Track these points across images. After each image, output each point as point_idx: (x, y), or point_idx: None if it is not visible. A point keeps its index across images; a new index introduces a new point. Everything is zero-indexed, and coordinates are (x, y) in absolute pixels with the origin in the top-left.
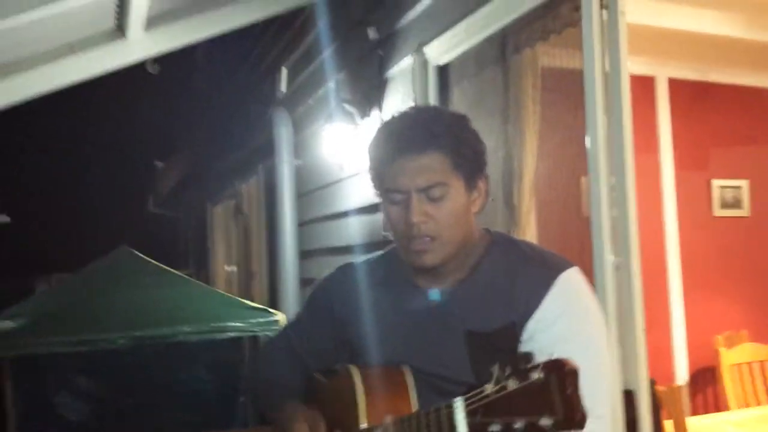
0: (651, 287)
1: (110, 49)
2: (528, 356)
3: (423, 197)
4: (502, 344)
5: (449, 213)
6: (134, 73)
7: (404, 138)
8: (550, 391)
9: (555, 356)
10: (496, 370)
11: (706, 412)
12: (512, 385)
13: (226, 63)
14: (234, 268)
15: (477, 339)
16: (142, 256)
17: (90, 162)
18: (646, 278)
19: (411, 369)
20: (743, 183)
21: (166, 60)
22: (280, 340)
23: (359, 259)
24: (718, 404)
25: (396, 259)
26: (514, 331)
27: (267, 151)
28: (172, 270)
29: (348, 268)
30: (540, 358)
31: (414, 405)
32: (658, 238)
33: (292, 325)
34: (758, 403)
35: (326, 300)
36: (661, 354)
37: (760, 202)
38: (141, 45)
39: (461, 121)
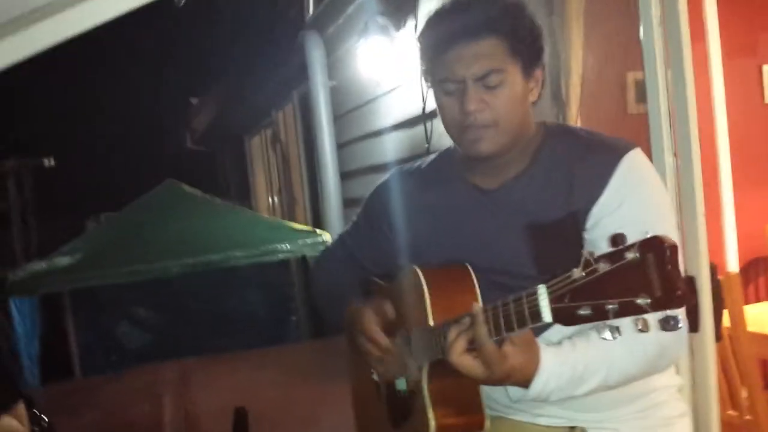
0: (708, 179)
1: None
2: (619, 237)
3: (479, 85)
4: (564, 234)
5: (507, 100)
6: (162, 8)
7: (458, 23)
8: (647, 269)
9: (636, 232)
10: (585, 254)
11: (758, 300)
12: (603, 267)
13: None
14: (276, 198)
15: (538, 231)
16: (187, 187)
17: (129, 101)
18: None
19: (473, 266)
20: None
21: None
22: (337, 248)
23: (411, 163)
24: None
25: (449, 159)
26: (576, 220)
27: (300, 75)
28: (217, 199)
29: (402, 172)
30: (609, 240)
31: (479, 300)
32: (708, 129)
33: (349, 232)
34: None
35: (381, 206)
36: (712, 244)
37: None
38: None
39: (518, 4)
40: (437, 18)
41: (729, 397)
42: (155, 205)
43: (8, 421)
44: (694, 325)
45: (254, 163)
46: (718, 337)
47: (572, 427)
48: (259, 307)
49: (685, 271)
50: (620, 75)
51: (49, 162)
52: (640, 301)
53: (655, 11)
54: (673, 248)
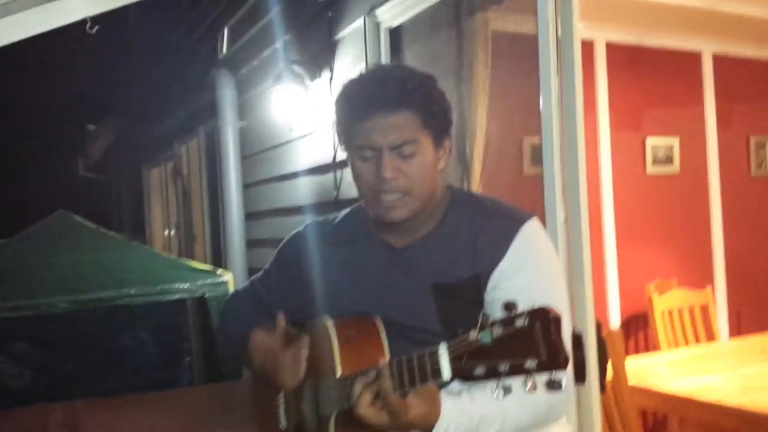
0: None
1: (50, 7)
2: (511, 305)
3: (394, 154)
4: (467, 295)
5: (420, 169)
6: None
7: (376, 95)
8: (534, 336)
9: (520, 304)
10: (482, 317)
11: (638, 352)
12: (497, 331)
13: (164, 22)
14: (173, 232)
15: (443, 291)
16: (80, 219)
17: (21, 125)
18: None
19: (382, 320)
20: (674, 141)
21: (102, 19)
22: (247, 293)
23: (325, 217)
24: (648, 347)
25: (361, 216)
26: (478, 282)
27: (207, 112)
28: (112, 233)
29: (314, 225)
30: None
31: (386, 353)
32: (595, 193)
33: (259, 279)
34: (687, 344)
35: (294, 257)
36: (596, 301)
37: (689, 158)
38: (84, 2)
39: (430, 80)
40: (354, 85)
41: None
42: (45, 237)
43: None
44: (581, 377)
45: (152, 196)
46: (603, 388)
47: None
48: (152, 348)
49: (573, 328)
50: (518, 140)
51: None
52: (528, 363)
53: (554, 82)
54: (557, 318)
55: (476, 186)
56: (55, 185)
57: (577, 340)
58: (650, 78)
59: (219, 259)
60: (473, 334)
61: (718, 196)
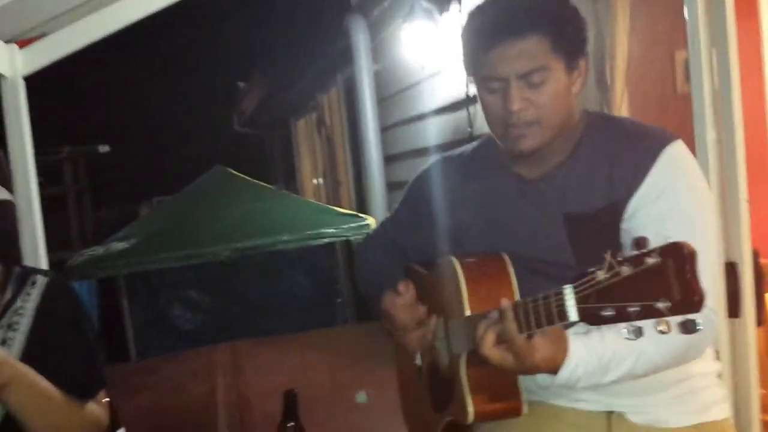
0: (753, 160)
1: None
2: (642, 241)
3: (523, 83)
4: (602, 225)
5: (550, 98)
6: None
7: (501, 21)
8: (667, 275)
9: (660, 234)
10: (608, 256)
11: None
12: (626, 271)
13: None
14: (321, 180)
15: (576, 221)
16: (236, 173)
17: (178, 88)
18: (749, 150)
19: (512, 255)
20: None
21: None
22: (380, 234)
23: (453, 151)
24: None
25: (491, 147)
26: (617, 210)
27: (345, 59)
28: (264, 184)
29: (442, 160)
30: (643, 234)
31: (515, 292)
32: (760, 109)
33: (391, 219)
34: None
35: (423, 192)
36: (761, 228)
37: None
38: None
39: None
40: (479, 13)
41: None
42: (204, 191)
43: (93, 407)
44: (734, 311)
45: (300, 146)
46: (760, 321)
47: (610, 412)
48: (305, 290)
49: (727, 257)
50: (669, 55)
51: (103, 148)
52: (660, 305)
53: None
54: (692, 255)
55: (620, 110)
56: (213, 142)
57: (730, 270)
58: None
59: (362, 203)
60: (601, 274)
61: None
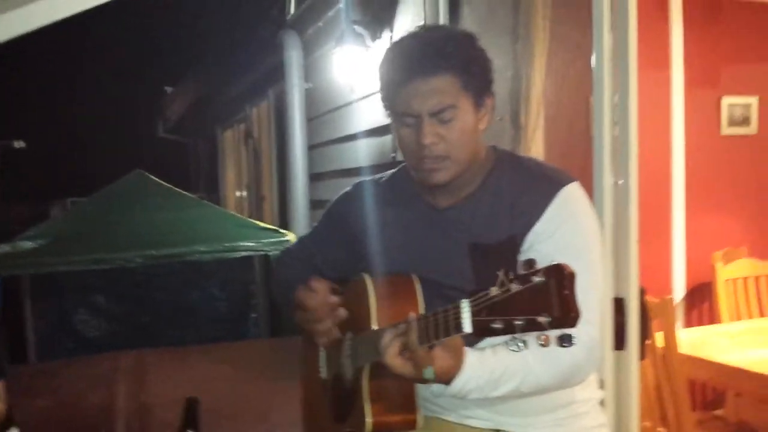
0: (653, 203)
1: None
2: (531, 262)
3: (434, 120)
4: (503, 255)
5: (459, 133)
6: None
7: (415, 60)
8: (549, 292)
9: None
10: (501, 274)
11: (700, 324)
12: (515, 287)
13: None
14: (244, 193)
15: (480, 250)
16: (156, 179)
17: (102, 88)
18: (650, 194)
19: (420, 278)
20: (753, 100)
21: None
22: (297, 249)
23: (373, 177)
24: (712, 319)
25: (406, 176)
26: (515, 243)
27: (277, 74)
28: (185, 193)
29: (363, 184)
30: (539, 266)
31: (421, 309)
32: (665, 154)
33: (309, 236)
34: (750, 317)
35: (343, 213)
36: (660, 269)
37: None
38: None
39: (470, 39)
40: (396, 48)
41: (660, 415)
42: (122, 195)
43: None
44: (620, 343)
45: (225, 157)
46: (643, 355)
47: (497, 430)
48: (220, 303)
49: (616, 292)
50: (583, 98)
51: (18, 144)
52: (541, 319)
53: (606, 40)
54: (571, 275)
55: (531, 149)
56: (134, 146)
57: (619, 305)
58: (730, 31)
59: (285, 218)
60: (494, 290)
61: None
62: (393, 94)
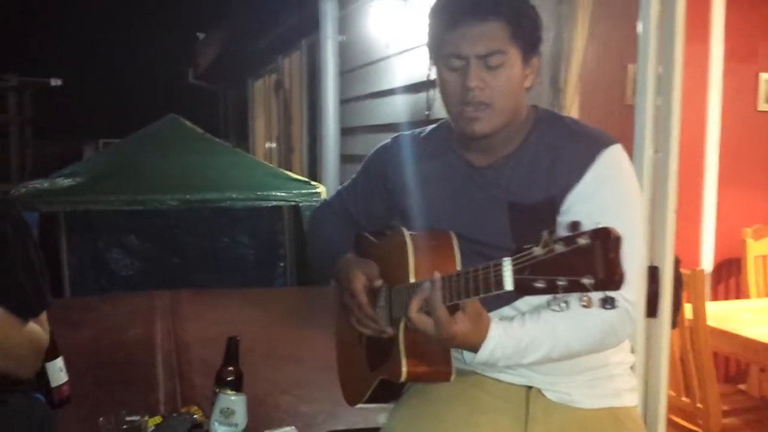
0: (686, 175)
1: None
2: (576, 224)
3: (481, 64)
4: (542, 216)
5: (505, 81)
6: None
7: (468, 4)
8: (594, 254)
9: (592, 222)
10: (545, 234)
11: (727, 299)
12: (559, 248)
13: None
14: (273, 144)
15: (519, 210)
16: (190, 124)
17: (136, 31)
18: (683, 167)
19: (457, 234)
20: None
21: None
22: (335, 202)
23: (412, 131)
24: (739, 294)
25: (447, 132)
26: (554, 203)
27: (311, 25)
28: (218, 139)
29: (402, 138)
30: (583, 228)
31: (458, 265)
32: (700, 128)
33: (347, 188)
34: None
35: (381, 167)
36: (690, 241)
37: None
38: None
39: None
40: None
41: (684, 386)
42: (157, 138)
43: (34, 326)
44: (652, 311)
45: (255, 107)
46: (674, 323)
47: (529, 387)
48: (248, 251)
49: (651, 261)
50: (622, 66)
51: (55, 82)
52: (584, 280)
53: (654, 8)
54: (617, 239)
55: (569, 113)
56: (166, 91)
57: (653, 274)
58: None
59: (314, 171)
60: (537, 250)
61: None
62: (441, 38)
